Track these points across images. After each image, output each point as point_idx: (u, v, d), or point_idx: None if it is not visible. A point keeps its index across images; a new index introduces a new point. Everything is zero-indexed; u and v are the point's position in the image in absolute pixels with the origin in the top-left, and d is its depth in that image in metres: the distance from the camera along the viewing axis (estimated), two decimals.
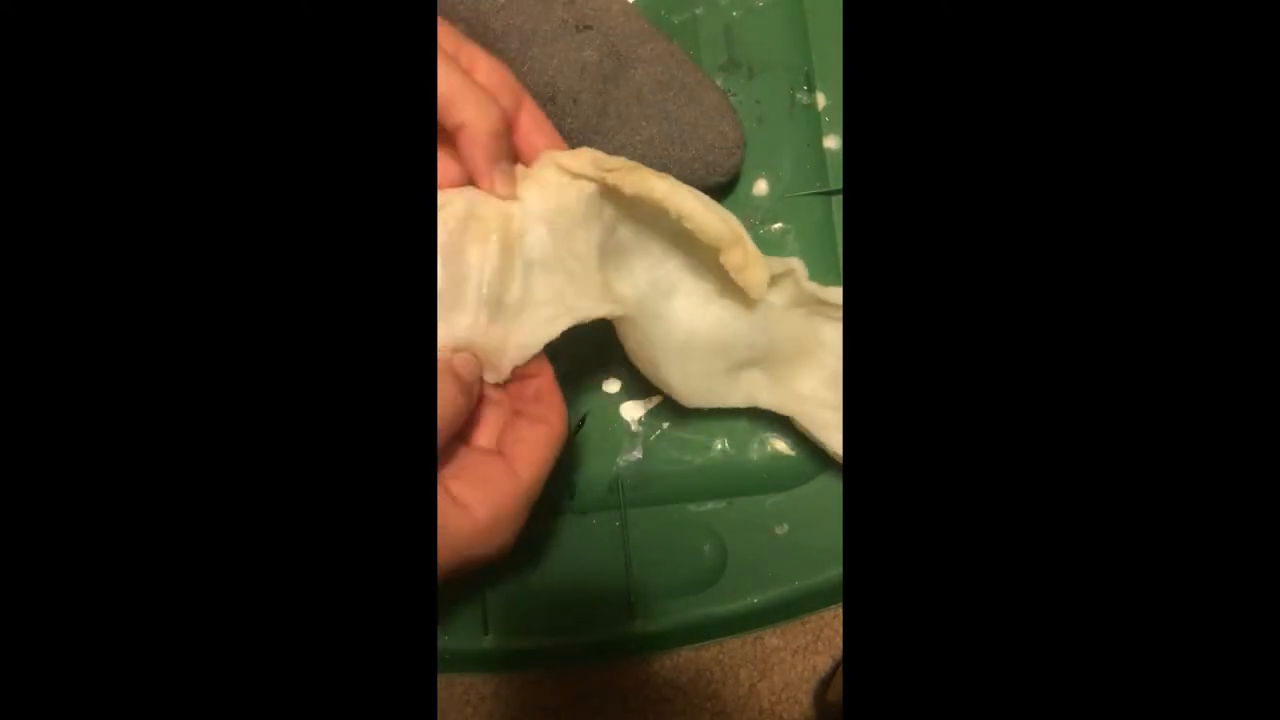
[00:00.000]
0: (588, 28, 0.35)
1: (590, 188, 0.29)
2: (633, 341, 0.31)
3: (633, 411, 0.38)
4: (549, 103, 0.36)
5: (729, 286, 0.32)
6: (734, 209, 0.38)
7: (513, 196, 0.28)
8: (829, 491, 0.36)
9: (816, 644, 0.36)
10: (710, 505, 0.37)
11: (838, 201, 0.38)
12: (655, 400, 0.37)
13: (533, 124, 0.30)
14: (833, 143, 0.39)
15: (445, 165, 0.28)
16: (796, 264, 0.33)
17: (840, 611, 0.36)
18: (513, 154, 0.29)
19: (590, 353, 0.37)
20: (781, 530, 0.36)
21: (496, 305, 0.28)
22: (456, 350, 0.27)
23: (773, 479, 0.37)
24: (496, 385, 0.28)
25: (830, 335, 0.34)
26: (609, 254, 0.31)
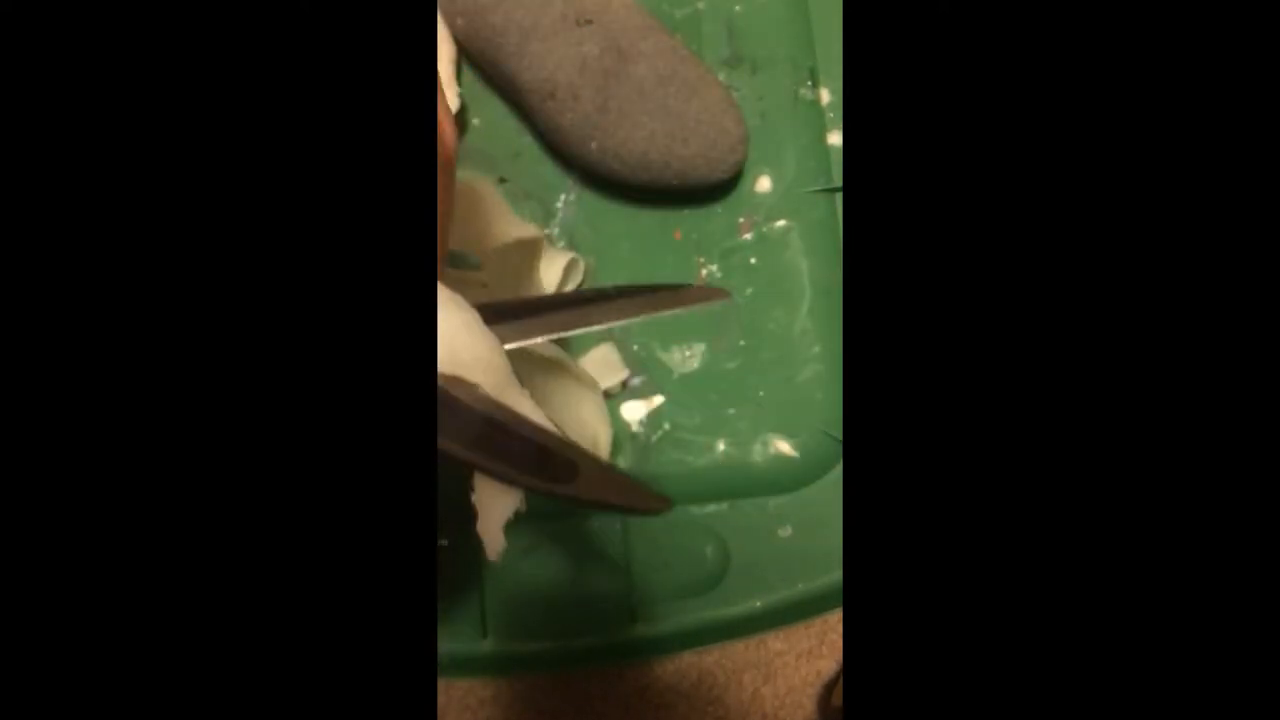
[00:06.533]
0: (588, 22, 0.35)
1: None
2: None
3: (633, 412, 0.37)
4: (549, 99, 0.35)
5: None
6: (736, 206, 0.39)
7: None
8: (832, 494, 0.36)
9: (820, 648, 0.36)
10: (712, 507, 0.36)
11: (841, 198, 0.38)
12: (657, 400, 0.37)
13: None
14: (836, 139, 0.39)
15: None
16: None
17: None
18: None
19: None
20: (785, 533, 0.36)
21: None
22: None
23: (776, 481, 0.36)
24: None
25: None
26: None
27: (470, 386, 0.22)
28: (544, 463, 0.21)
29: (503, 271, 0.33)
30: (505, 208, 0.34)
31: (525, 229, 0.33)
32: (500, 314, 0.25)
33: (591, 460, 0.22)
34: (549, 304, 0.27)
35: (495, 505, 0.23)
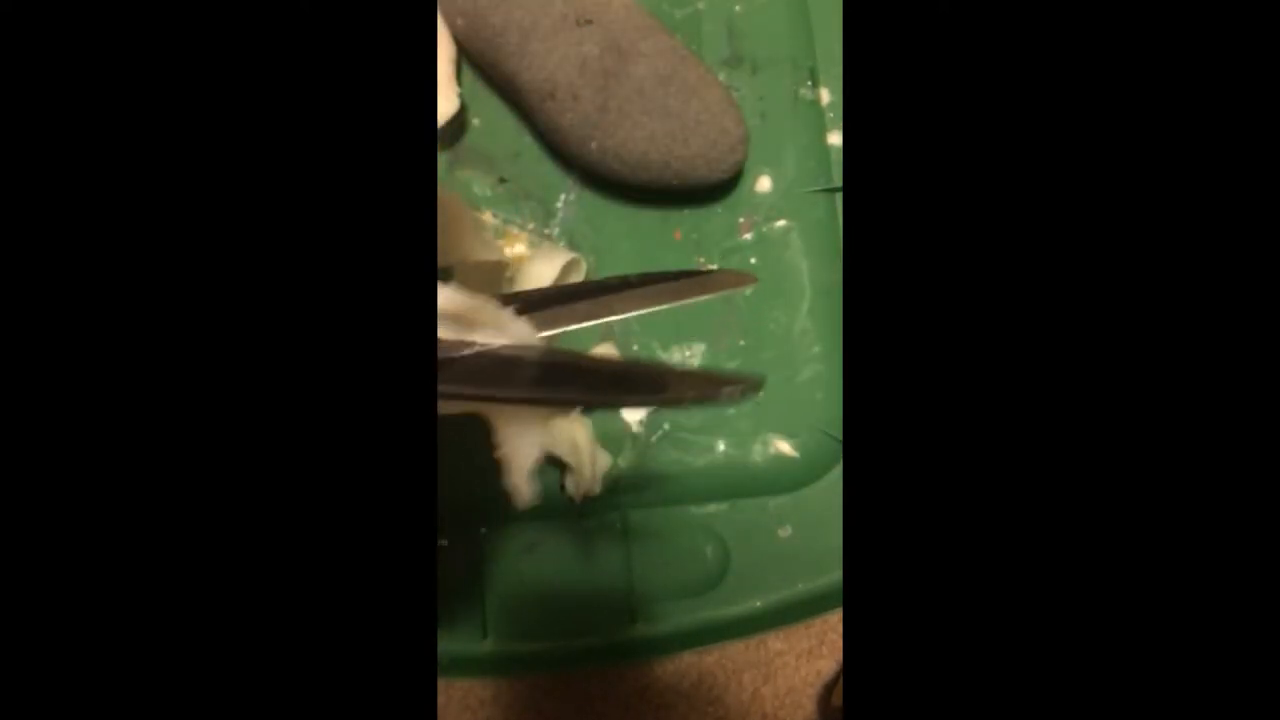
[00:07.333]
0: (588, 22, 0.35)
1: None
2: None
3: (634, 412, 0.37)
4: (549, 99, 0.35)
5: None
6: (736, 206, 0.39)
7: None
8: (832, 494, 0.36)
9: (820, 648, 0.36)
10: (712, 507, 0.36)
11: (841, 198, 0.38)
12: None
13: None
14: (836, 139, 0.39)
15: None
16: None
17: None
18: None
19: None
20: (785, 533, 0.36)
21: None
22: None
23: (776, 481, 0.36)
24: None
25: None
26: None
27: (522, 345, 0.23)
28: (628, 383, 0.23)
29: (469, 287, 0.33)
30: (476, 225, 0.34)
31: (491, 251, 0.33)
32: (527, 305, 0.25)
33: (669, 369, 0.23)
34: (573, 294, 0.26)
35: (520, 453, 0.24)
